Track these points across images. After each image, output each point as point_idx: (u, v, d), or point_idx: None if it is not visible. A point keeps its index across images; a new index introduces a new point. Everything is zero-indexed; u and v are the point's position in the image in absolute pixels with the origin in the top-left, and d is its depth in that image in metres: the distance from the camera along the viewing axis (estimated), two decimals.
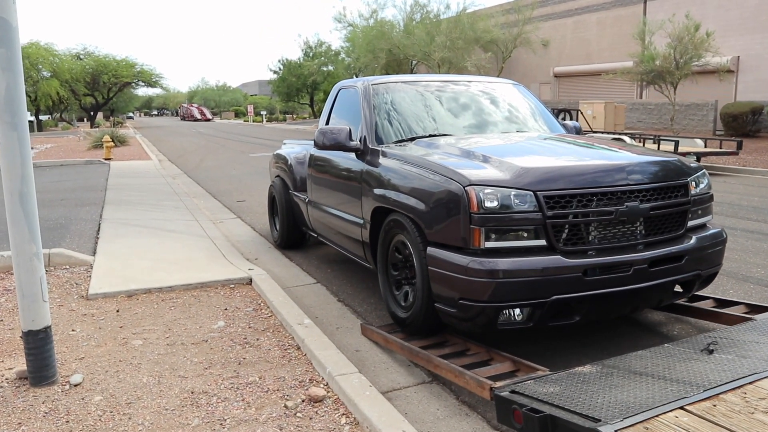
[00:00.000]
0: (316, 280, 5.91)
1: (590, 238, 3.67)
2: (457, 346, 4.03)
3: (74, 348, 4.10)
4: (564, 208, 3.58)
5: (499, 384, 3.17)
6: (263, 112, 65.89)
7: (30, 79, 48.72)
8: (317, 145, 5.07)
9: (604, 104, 23.19)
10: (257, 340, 4.23)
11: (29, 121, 41.25)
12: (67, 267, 6.02)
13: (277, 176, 7.50)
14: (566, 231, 3.60)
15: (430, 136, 4.94)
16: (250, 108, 68.08)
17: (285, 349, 4.07)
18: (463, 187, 3.58)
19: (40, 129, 49.93)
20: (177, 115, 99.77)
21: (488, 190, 3.53)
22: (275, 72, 64.84)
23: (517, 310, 3.58)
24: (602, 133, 18.73)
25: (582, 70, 37.90)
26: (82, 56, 57.17)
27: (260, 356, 3.96)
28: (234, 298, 5.13)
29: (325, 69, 57.50)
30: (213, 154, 23.04)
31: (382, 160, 4.64)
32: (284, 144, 8.03)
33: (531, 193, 3.54)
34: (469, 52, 38.31)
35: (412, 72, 45.74)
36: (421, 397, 3.55)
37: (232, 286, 5.45)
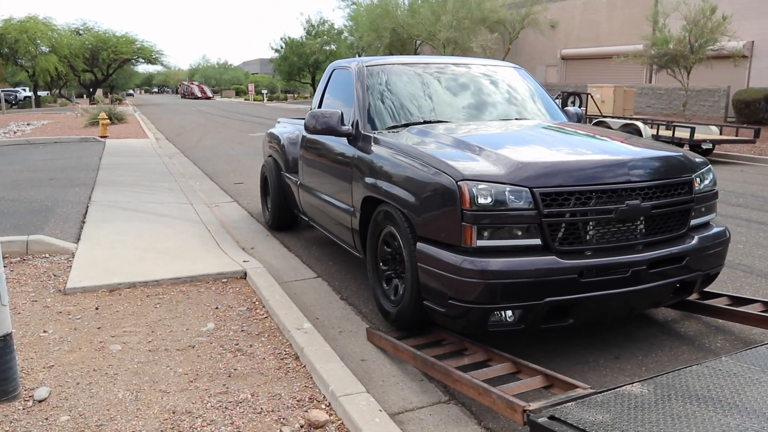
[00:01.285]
0: (317, 274, 5.43)
1: (588, 238, 3.46)
2: (476, 355, 3.56)
3: (43, 354, 3.62)
4: (561, 206, 3.38)
5: (533, 405, 2.71)
6: (264, 91, 65.08)
7: (28, 54, 47.93)
8: (308, 129, 4.86)
9: (614, 88, 22.51)
10: (250, 346, 3.75)
11: (26, 97, 40.87)
12: (47, 256, 5.54)
13: (270, 156, 7.27)
14: (563, 230, 3.41)
15: (425, 122, 4.70)
16: (251, 86, 67.20)
17: (281, 359, 3.60)
18: (456, 182, 3.37)
19: (38, 105, 49.12)
20: (177, 92, 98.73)
21: (482, 185, 3.32)
22: (277, 50, 63.86)
23: (509, 312, 3.40)
24: (614, 118, 18.12)
25: (590, 52, 37.15)
26: (81, 32, 56.31)
27: (253, 367, 3.49)
28: (226, 295, 4.64)
29: (327, 48, 56.54)
30: (212, 133, 22.47)
31: (374, 147, 4.41)
32: (278, 122, 7.75)
33: (527, 189, 3.33)
34: (475, 33, 37.54)
35: (416, 52, 44.98)
36: (438, 421, 3.08)
37: (225, 280, 4.97)
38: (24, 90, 57.70)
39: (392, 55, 43.03)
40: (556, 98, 20.23)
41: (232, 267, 5.17)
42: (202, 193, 9.49)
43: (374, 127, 4.70)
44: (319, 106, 5.85)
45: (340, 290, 5.01)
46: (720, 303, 4.37)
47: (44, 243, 5.63)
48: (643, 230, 3.62)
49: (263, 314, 4.26)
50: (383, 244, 4.20)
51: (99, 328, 4.00)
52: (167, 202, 8.40)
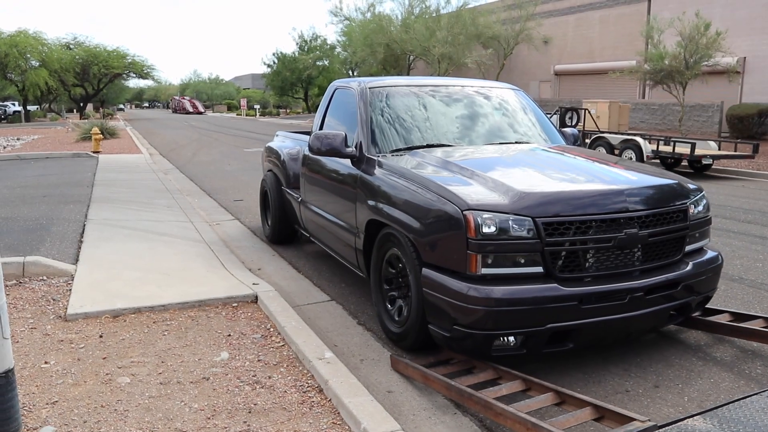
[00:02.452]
0: (330, 297, 5.18)
1: (587, 265, 3.54)
2: (514, 385, 3.33)
3: (46, 388, 3.36)
4: (563, 235, 3.46)
5: None
6: (256, 106, 64.82)
7: (18, 68, 47.53)
8: (312, 150, 4.89)
9: (609, 104, 22.45)
10: (269, 378, 3.50)
11: (16, 112, 40.48)
12: (45, 278, 5.26)
13: (270, 171, 7.27)
14: (564, 258, 3.49)
15: (428, 146, 4.76)
16: (243, 101, 67.02)
17: (304, 392, 3.35)
18: (462, 211, 3.45)
19: (27, 120, 48.72)
20: (169, 107, 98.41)
21: (487, 215, 3.40)
22: (269, 66, 63.80)
23: (511, 337, 3.47)
24: (613, 134, 18.04)
25: (583, 68, 37.25)
26: (72, 46, 55.96)
27: (274, 401, 3.23)
28: (238, 321, 4.39)
29: (320, 63, 56.58)
30: (206, 148, 22.20)
31: (377, 170, 4.46)
32: (276, 136, 7.74)
33: (530, 219, 3.42)
34: (470, 49, 37.61)
35: (409, 67, 45.04)
36: None
37: (235, 304, 4.71)
38: (13, 104, 57.18)
39: (385, 69, 43.20)
40: (554, 114, 20.18)
41: (242, 290, 4.92)
42: (202, 211, 9.23)
43: (378, 150, 4.73)
44: (321, 126, 5.86)
45: (356, 314, 4.77)
46: (722, 319, 4.37)
47: (41, 264, 5.36)
48: (641, 257, 3.68)
49: (279, 342, 4.01)
50: (387, 265, 4.25)
51: (104, 358, 3.73)
52: (166, 220, 8.15)
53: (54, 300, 4.72)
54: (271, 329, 4.21)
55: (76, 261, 5.73)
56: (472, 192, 3.61)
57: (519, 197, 3.49)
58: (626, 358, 3.98)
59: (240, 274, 5.51)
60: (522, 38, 36.79)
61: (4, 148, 22.06)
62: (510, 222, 3.39)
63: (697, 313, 4.32)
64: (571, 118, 21.54)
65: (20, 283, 5.14)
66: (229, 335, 4.10)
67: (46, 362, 3.67)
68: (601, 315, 3.49)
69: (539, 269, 3.44)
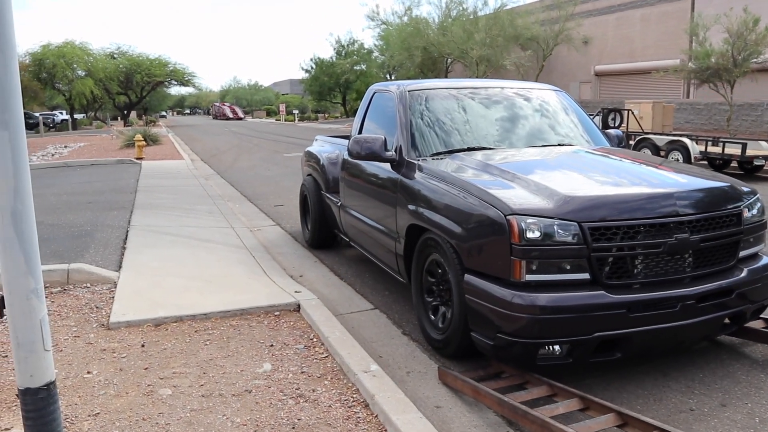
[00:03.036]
0: (374, 305, 5.05)
1: (636, 271, 3.41)
2: (572, 403, 3.15)
3: (88, 399, 3.30)
4: (610, 240, 3.34)
5: None
6: (295, 111, 65.39)
7: (65, 78, 48.89)
8: (351, 155, 4.89)
9: (652, 104, 21.88)
10: (313, 391, 3.38)
11: (63, 120, 41.49)
12: (88, 285, 5.26)
13: (309, 175, 7.30)
14: (611, 264, 3.37)
15: (469, 149, 4.68)
16: (282, 107, 67.62)
17: (349, 407, 3.22)
18: (505, 216, 3.35)
19: (74, 128, 50.02)
20: (209, 114, 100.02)
21: (531, 219, 3.30)
22: (307, 71, 64.33)
23: (557, 346, 3.35)
24: (658, 135, 17.54)
25: (624, 68, 36.52)
26: (116, 55, 57.31)
27: (319, 417, 3.12)
28: (280, 330, 4.29)
29: (357, 68, 56.75)
30: (246, 153, 22.38)
31: (418, 174, 4.40)
32: (315, 140, 7.78)
33: (575, 223, 3.31)
34: (508, 51, 37.21)
35: (447, 70, 44.80)
36: None
37: (278, 313, 4.62)
38: (61, 113, 58.81)
39: (423, 73, 43.07)
40: (596, 115, 19.75)
41: (284, 298, 4.83)
42: (243, 216, 9.22)
43: (418, 154, 4.67)
44: (360, 130, 5.83)
45: (400, 324, 4.63)
46: (756, 326, 4.11)
47: (85, 272, 5.36)
48: (692, 263, 3.53)
49: (323, 353, 3.89)
50: (428, 271, 4.18)
51: (146, 368, 3.67)
52: (208, 225, 8.15)
53: (97, 308, 4.70)
54: (315, 339, 4.10)
55: (119, 268, 5.73)
56: (515, 196, 3.52)
57: (564, 201, 3.39)
58: (687, 374, 3.75)
59: (282, 281, 5.43)
60: (561, 39, 36.22)
61: (53, 155, 22.63)
62: (555, 227, 3.29)
63: (755, 323, 4.09)
64: (614, 119, 21.07)
65: (65, 290, 5.14)
66: (272, 345, 4.00)
67: (88, 372, 3.62)
68: (650, 323, 3.35)
69: (586, 276, 3.32)
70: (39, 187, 12.42)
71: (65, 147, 26.60)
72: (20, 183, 2.51)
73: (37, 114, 51.07)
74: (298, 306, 4.68)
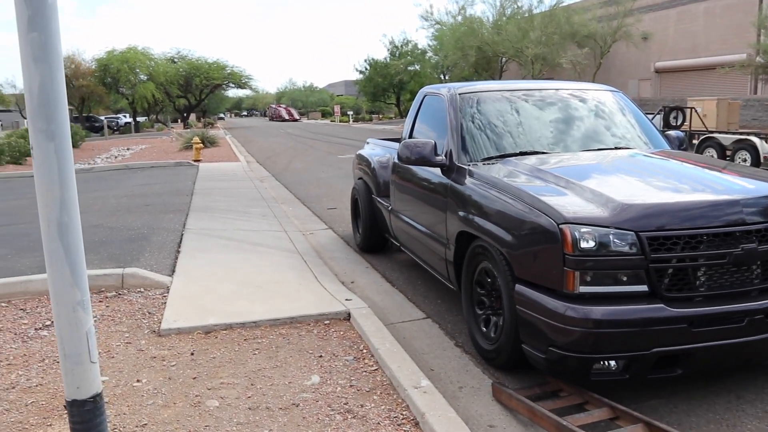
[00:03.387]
0: (426, 314, 4.92)
1: (698, 284, 3.22)
2: (636, 429, 2.94)
3: (136, 409, 3.28)
4: (670, 251, 3.17)
5: None
6: (350, 112, 65.72)
7: (128, 82, 50.46)
8: (401, 159, 4.79)
9: (716, 101, 20.96)
10: (362, 407, 3.27)
11: (127, 123, 42.90)
12: (142, 290, 5.30)
13: (360, 178, 7.30)
14: (671, 275, 3.19)
15: (521, 153, 4.52)
16: (337, 108, 68.07)
17: (398, 424, 3.09)
18: (558, 225, 3.21)
19: (137, 130, 51.60)
20: (265, 115, 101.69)
21: (585, 228, 3.15)
22: (361, 72, 64.50)
23: (613, 361, 3.20)
24: (724, 133, 16.80)
25: (687, 64, 35.26)
26: (176, 60, 58.82)
27: None
28: (330, 340, 4.20)
29: (411, 68, 56.59)
30: (301, 155, 22.56)
31: (468, 180, 4.29)
32: (367, 143, 7.80)
33: (632, 233, 3.14)
34: (564, 48, 36.42)
35: (502, 70, 44.22)
36: None
37: (327, 322, 4.53)
38: (125, 116, 60.78)
39: (477, 73, 42.63)
40: (657, 113, 19.06)
41: (334, 306, 4.74)
42: (296, 219, 9.22)
43: (469, 159, 4.56)
44: (411, 133, 5.80)
45: (453, 335, 4.48)
46: None
47: (139, 276, 5.41)
48: (760, 275, 3.30)
49: (372, 365, 3.78)
50: (479, 278, 4.07)
51: (194, 378, 3.64)
52: (261, 229, 8.16)
53: (149, 313, 4.72)
54: (364, 351, 3.99)
55: (172, 272, 5.77)
56: (569, 203, 3.37)
57: (620, 209, 3.24)
58: (765, 397, 3.47)
59: (333, 288, 5.35)
60: (620, 35, 35.21)
61: (116, 158, 23.35)
62: (611, 236, 3.13)
63: None
64: (675, 117, 20.30)
65: (119, 294, 5.20)
66: (321, 356, 3.92)
67: (138, 380, 3.61)
68: (714, 339, 3.15)
69: (643, 288, 3.15)
70: (102, 189, 12.78)
71: (128, 149, 27.42)
72: (66, 194, 2.49)
73: (102, 117, 52.92)
74: (349, 315, 4.58)
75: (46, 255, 2.56)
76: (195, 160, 18.90)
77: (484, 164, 4.43)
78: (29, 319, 4.67)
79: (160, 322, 4.46)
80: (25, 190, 13.56)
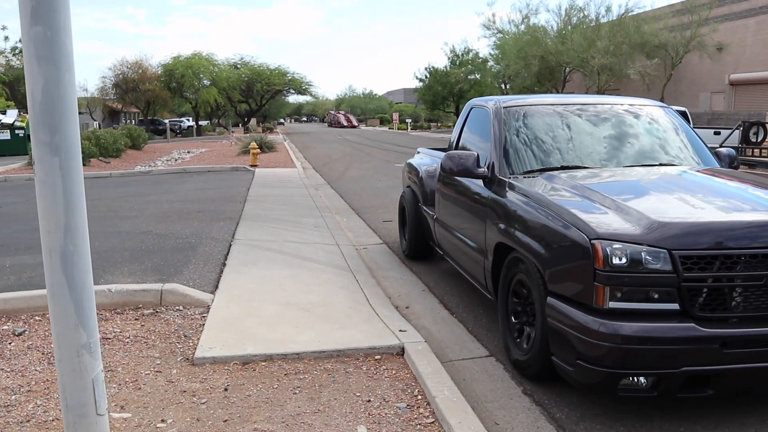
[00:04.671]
0: (489, 351, 4.37)
1: (734, 305, 3.15)
2: None
3: None
4: (704, 270, 3.12)
5: None
6: (408, 120, 65.38)
7: (192, 87, 51.51)
8: (444, 170, 4.90)
9: None
10: None
11: (189, 126, 43.75)
12: (180, 308, 4.93)
13: (408, 187, 7.42)
14: (704, 295, 3.14)
15: (563, 168, 4.55)
16: (395, 115, 67.88)
17: None
18: (590, 240, 3.23)
19: (198, 134, 52.58)
20: (324, 121, 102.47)
21: (617, 245, 3.16)
22: (421, 80, 64.07)
23: (642, 378, 3.17)
24: None
25: (765, 77, 33.39)
26: (239, 66, 59.78)
27: None
28: (380, 380, 3.70)
29: (472, 77, 55.84)
30: (358, 162, 22.24)
31: (508, 193, 4.34)
32: (417, 153, 7.83)
33: (665, 251, 3.12)
34: (633, 59, 35.07)
35: (565, 80, 43.06)
36: None
37: (378, 357, 4.04)
38: (188, 120, 62.11)
39: (539, 83, 41.67)
40: (736, 129, 17.93)
41: (387, 339, 4.24)
42: (349, 232, 8.79)
43: (511, 171, 4.63)
44: (457, 144, 5.95)
45: (520, 379, 3.91)
46: None
47: (179, 293, 5.04)
48: None
49: (428, 416, 3.26)
50: (515, 289, 4.10)
51: (226, 420, 3.20)
52: (312, 242, 7.76)
53: (185, 336, 4.33)
54: (419, 397, 3.48)
55: (215, 288, 5.40)
56: (603, 219, 3.39)
57: (655, 227, 3.21)
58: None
59: (385, 314, 4.86)
60: (693, 46, 33.70)
61: (175, 160, 23.58)
62: (643, 253, 3.12)
63: None
64: (756, 133, 19.11)
65: (156, 312, 4.85)
66: (369, 401, 3.42)
67: (162, 420, 3.20)
68: (747, 361, 3.07)
69: (675, 306, 3.13)
70: (157, 193, 12.69)
71: (188, 152, 27.73)
72: (73, 219, 2.06)
73: (165, 120, 54.12)
74: (402, 349, 4.08)
75: (48, 289, 2.16)
76: (251, 165, 18.80)
77: (525, 177, 4.47)
78: None
79: (195, 348, 4.05)
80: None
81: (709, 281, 3.12)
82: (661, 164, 4.70)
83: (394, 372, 3.80)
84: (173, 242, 7.41)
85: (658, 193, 3.82)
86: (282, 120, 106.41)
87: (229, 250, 6.92)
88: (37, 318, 4.73)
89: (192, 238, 7.62)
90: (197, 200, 11.41)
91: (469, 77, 55.65)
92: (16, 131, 27.06)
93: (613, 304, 3.13)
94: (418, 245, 6.95)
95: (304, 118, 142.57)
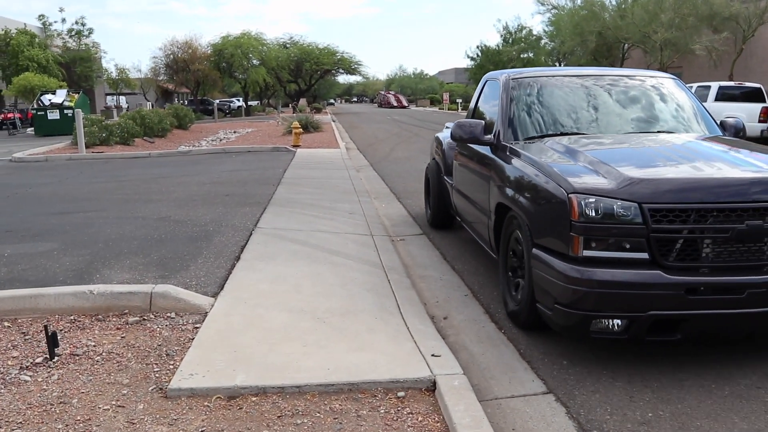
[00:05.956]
0: (547, 386, 3.37)
1: (703, 256, 3.35)
2: None
3: None
4: (671, 223, 3.34)
5: None
6: (459, 100, 63.75)
7: (241, 67, 51.18)
8: (454, 138, 5.20)
9: None
10: None
11: (239, 107, 44.10)
12: (172, 316, 4.13)
13: (433, 158, 7.72)
14: (672, 246, 3.35)
15: (561, 134, 4.84)
16: (446, 95, 66.38)
17: None
18: (567, 194, 3.50)
19: (247, 114, 52.31)
20: (374, 102, 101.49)
21: (591, 198, 3.41)
22: (473, 59, 62.25)
23: (618, 321, 3.38)
24: None
25: None
26: (288, 45, 59.20)
27: None
28: (402, 430, 2.81)
29: (524, 56, 53.88)
30: (405, 143, 21.26)
31: (509, 156, 4.62)
32: (446, 127, 7.83)
33: (636, 204, 3.35)
34: (699, 33, 32.79)
35: (623, 57, 40.92)
36: None
37: (402, 394, 3.12)
38: (238, 100, 62.02)
39: (596, 60, 39.70)
40: None
41: (415, 366, 3.32)
42: (387, 220, 7.90)
43: (515, 138, 4.91)
44: (473, 114, 6.23)
45: (587, 426, 2.96)
46: None
47: (171, 297, 4.22)
48: None
49: None
50: (512, 247, 4.33)
51: None
52: (344, 231, 6.90)
53: (167, 355, 3.51)
54: None
55: (220, 289, 4.59)
56: (582, 176, 3.63)
57: (626, 182, 3.46)
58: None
59: (418, 327, 3.96)
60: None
61: (221, 140, 23.10)
62: (615, 206, 3.36)
63: None
64: None
65: (143, 320, 4.06)
66: None
67: None
68: (711, 308, 3.32)
69: (645, 255, 3.35)
70: (189, 174, 12.07)
71: (234, 132, 27.26)
72: None
73: (214, 101, 54.14)
74: (434, 384, 3.17)
75: None
76: (293, 146, 18.07)
77: (525, 143, 4.74)
78: (22, 351, 3.61)
79: (173, 375, 3.23)
80: (118, 172, 13.14)
81: (676, 233, 3.31)
82: (659, 132, 4.93)
83: (419, 419, 2.87)
84: (189, 230, 6.67)
85: (643, 155, 4.11)
86: (332, 100, 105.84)
87: (247, 241, 6.12)
88: (6, 324, 4.01)
89: (210, 226, 6.86)
90: (229, 182, 10.70)
91: (521, 56, 53.71)
92: (65, 111, 27.05)
93: (587, 253, 3.36)
94: (439, 214, 7.24)
95: (354, 99, 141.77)
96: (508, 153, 4.64)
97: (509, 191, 4.26)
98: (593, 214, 3.34)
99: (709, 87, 18.65)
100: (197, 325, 3.92)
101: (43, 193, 10.12)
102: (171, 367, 3.36)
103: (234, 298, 4.42)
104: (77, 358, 3.49)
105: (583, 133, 4.79)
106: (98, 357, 3.49)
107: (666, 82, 5.50)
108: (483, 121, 5.09)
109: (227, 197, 8.95)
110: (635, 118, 5.08)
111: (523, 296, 4.01)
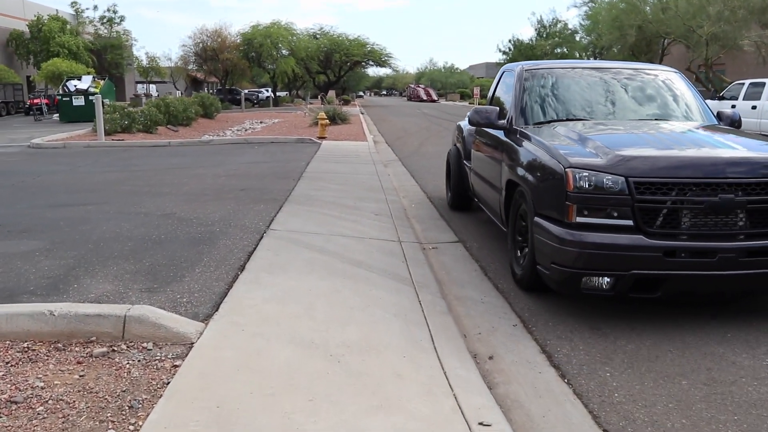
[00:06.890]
0: None
1: (681, 224, 3.79)
2: None
3: None
4: (653, 194, 3.79)
5: None
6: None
7: (270, 57, 50.55)
8: (471, 123, 5.93)
9: None
10: None
11: (268, 97, 43.56)
12: (148, 347, 3.29)
13: (455, 145, 8.15)
14: (653, 214, 3.80)
15: (567, 120, 5.33)
16: (476, 90, 65.07)
17: None
18: (564, 169, 3.96)
19: (275, 104, 51.67)
20: (404, 95, 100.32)
21: (584, 173, 3.88)
22: (505, 53, 60.77)
23: (605, 279, 3.83)
24: None
25: None
26: (318, 36, 58.44)
27: None
28: None
29: (558, 50, 52.33)
30: (434, 137, 20.31)
31: (519, 138, 5.08)
32: (467, 117, 7.77)
33: (622, 178, 3.80)
34: (748, 27, 31.13)
35: (663, 53, 39.29)
36: None
37: None
38: (267, 91, 61.52)
39: (634, 56, 38.17)
40: None
41: None
42: (417, 223, 7.02)
43: (525, 122, 5.43)
44: (491, 102, 6.77)
45: None
46: None
47: (150, 323, 3.36)
48: (748, 223, 3.81)
49: None
50: (519, 218, 4.80)
51: None
52: (368, 236, 6.04)
53: (129, 408, 2.67)
54: None
55: (215, 309, 3.74)
56: (578, 154, 4.11)
57: (615, 158, 3.92)
58: None
59: (458, 372, 3.08)
60: None
61: (246, 130, 22.43)
62: (604, 179, 3.82)
63: None
64: None
65: (112, 351, 3.23)
66: None
67: None
68: (686, 269, 3.76)
69: (629, 222, 3.79)
70: (206, 165, 11.33)
71: (260, 122, 26.61)
72: None
73: (242, 91, 53.68)
74: None
75: None
76: (319, 137, 17.25)
77: (534, 127, 5.23)
78: None
79: None
80: (134, 161, 12.46)
81: (657, 203, 3.78)
82: (657, 120, 5.40)
83: None
84: (193, 231, 5.87)
85: (637, 138, 4.54)
86: (361, 93, 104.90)
87: (256, 246, 5.28)
88: None
89: (217, 226, 6.05)
90: (246, 175, 9.91)
91: (555, 50, 52.17)
92: (90, 97, 26.59)
93: (580, 219, 3.87)
94: (458, 196, 7.72)
95: (384, 92, 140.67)
96: (518, 136, 5.15)
97: (518, 169, 4.75)
98: (586, 185, 3.84)
99: (763, 84, 17.35)
100: (177, 363, 3.07)
101: (49, 183, 9.44)
102: (130, 428, 2.51)
103: (229, 323, 3.57)
104: (16, 406, 2.67)
105: (587, 120, 5.32)
106: (41, 407, 2.67)
107: (669, 76, 5.98)
108: (498, 108, 5.75)
109: (242, 192, 8.15)
110: (637, 107, 5.59)
111: (526, 262, 4.51)
